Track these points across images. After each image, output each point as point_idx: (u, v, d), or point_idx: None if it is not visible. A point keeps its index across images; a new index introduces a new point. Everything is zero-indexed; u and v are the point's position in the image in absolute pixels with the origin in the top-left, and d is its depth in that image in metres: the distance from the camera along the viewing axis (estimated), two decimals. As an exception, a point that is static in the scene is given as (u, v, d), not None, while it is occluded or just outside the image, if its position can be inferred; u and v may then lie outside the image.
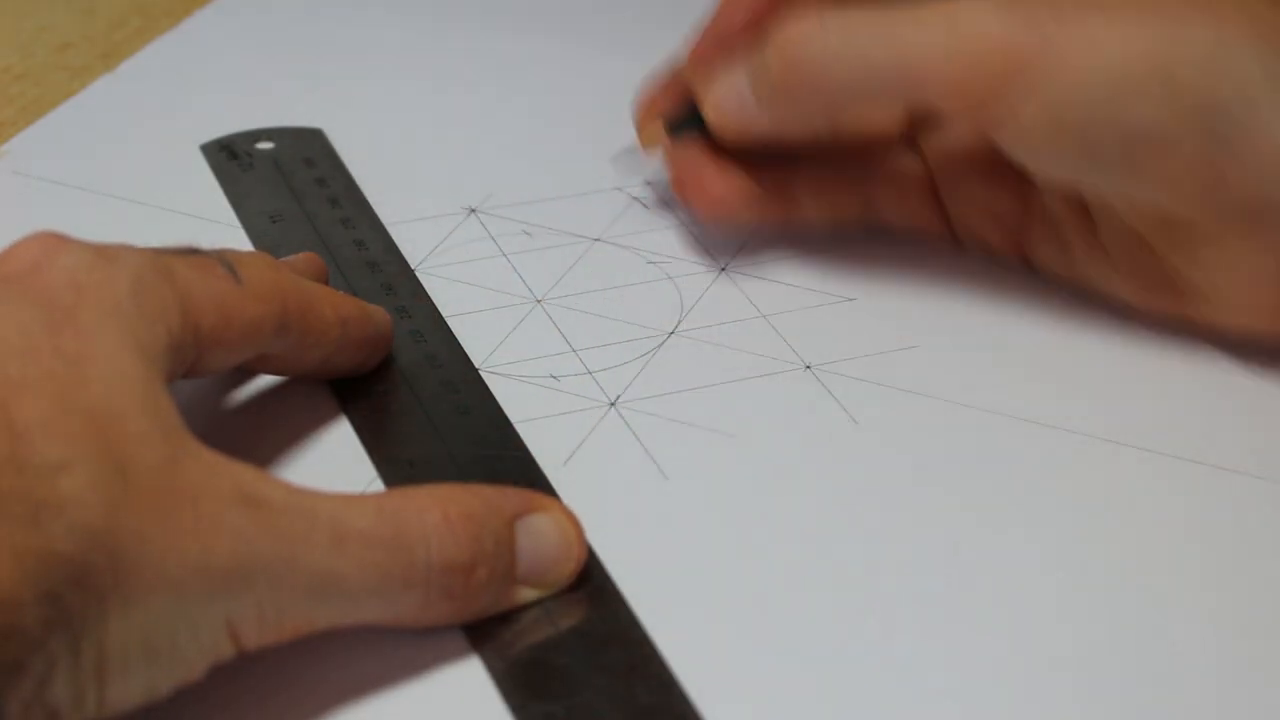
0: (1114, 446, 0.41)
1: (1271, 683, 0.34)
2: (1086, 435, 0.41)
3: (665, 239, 0.48)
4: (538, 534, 0.35)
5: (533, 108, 0.53)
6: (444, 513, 0.33)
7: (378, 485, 0.38)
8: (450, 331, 0.43)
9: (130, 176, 0.49)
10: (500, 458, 0.39)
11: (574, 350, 0.43)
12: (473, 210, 0.49)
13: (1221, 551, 0.38)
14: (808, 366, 0.43)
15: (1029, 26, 0.39)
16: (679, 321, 0.44)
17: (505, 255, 0.47)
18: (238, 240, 0.47)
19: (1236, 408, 0.42)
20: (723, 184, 0.45)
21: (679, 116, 0.46)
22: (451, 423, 0.40)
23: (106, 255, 0.33)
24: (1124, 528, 0.38)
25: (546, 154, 0.52)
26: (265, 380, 0.41)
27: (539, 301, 0.45)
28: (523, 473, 0.39)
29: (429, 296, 0.45)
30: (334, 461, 0.39)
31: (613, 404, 0.41)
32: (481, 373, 0.42)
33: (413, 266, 0.46)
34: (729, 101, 0.44)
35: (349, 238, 0.47)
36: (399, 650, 0.34)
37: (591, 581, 0.36)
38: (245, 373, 0.41)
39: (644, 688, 0.33)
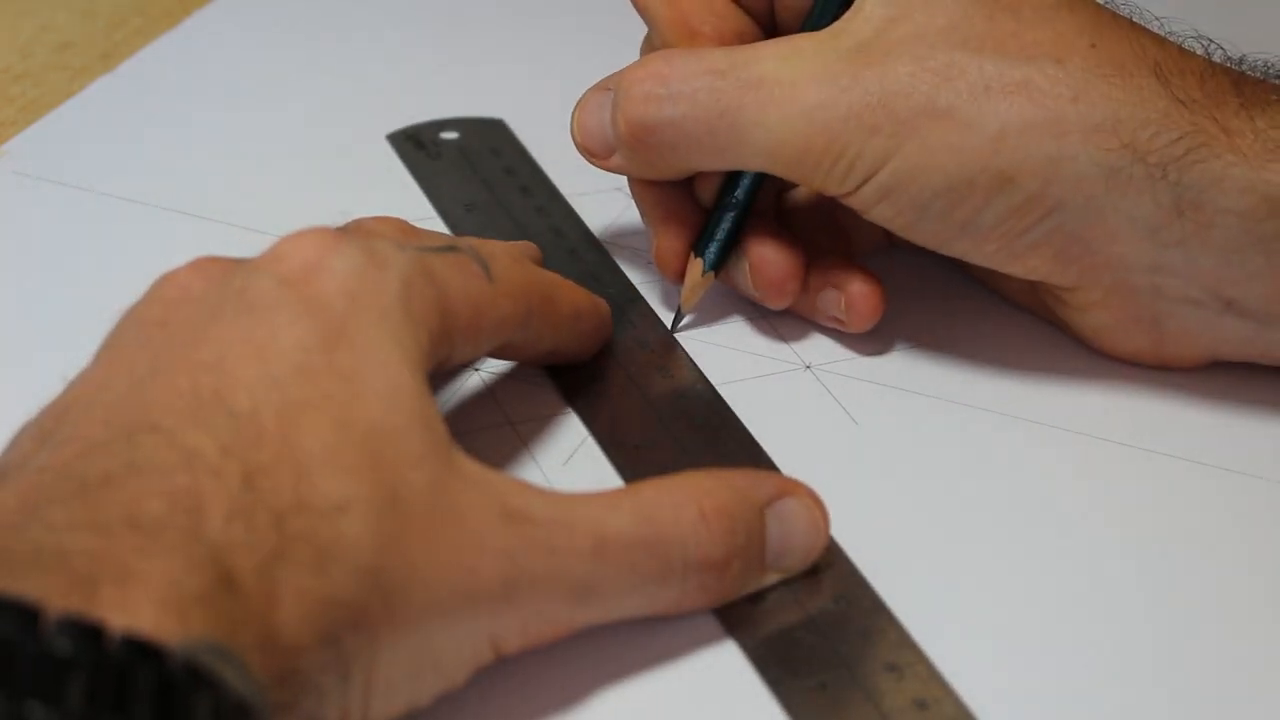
0: (1115, 446, 0.41)
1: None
2: (1088, 435, 0.41)
3: (665, 239, 0.48)
4: (788, 520, 0.35)
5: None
6: (700, 509, 0.33)
7: (602, 462, 0.39)
8: (658, 318, 0.44)
9: (130, 176, 0.49)
10: (721, 439, 0.39)
11: (574, 350, 0.43)
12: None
13: (1222, 551, 0.38)
14: (808, 366, 0.43)
15: (867, 131, 0.39)
16: (679, 321, 0.44)
17: (505, 255, 0.47)
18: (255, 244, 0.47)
19: (1242, 410, 0.42)
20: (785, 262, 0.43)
21: (705, 239, 0.43)
22: (669, 405, 0.40)
23: (376, 258, 0.33)
24: (1124, 526, 0.38)
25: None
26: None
27: (540, 301, 0.45)
28: (746, 453, 0.39)
29: (634, 285, 0.45)
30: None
31: (614, 404, 0.41)
32: (479, 373, 0.42)
33: None
34: (592, 135, 0.43)
35: (545, 225, 0.47)
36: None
37: (831, 560, 0.36)
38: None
39: (890, 660, 0.33)
